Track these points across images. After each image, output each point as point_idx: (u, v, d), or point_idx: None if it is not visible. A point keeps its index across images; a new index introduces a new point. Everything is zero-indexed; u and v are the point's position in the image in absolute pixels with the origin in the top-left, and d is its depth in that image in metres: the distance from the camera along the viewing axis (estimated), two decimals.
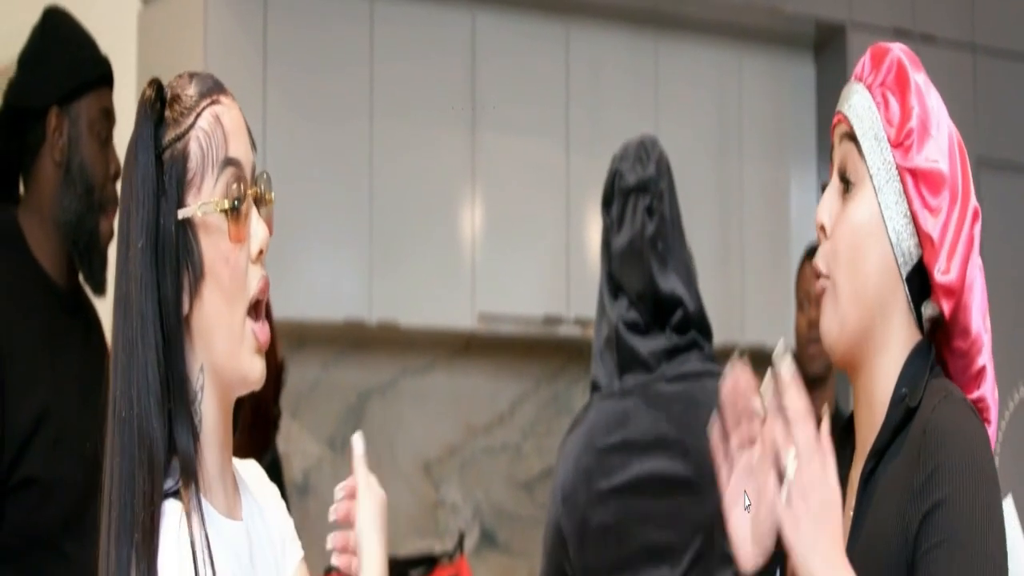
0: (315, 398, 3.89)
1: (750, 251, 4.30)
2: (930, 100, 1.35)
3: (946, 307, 1.30)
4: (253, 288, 1.18)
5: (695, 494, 2.07)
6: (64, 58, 2.10)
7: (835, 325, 1.32)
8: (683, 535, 2.07)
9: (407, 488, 4.07)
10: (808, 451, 1.18)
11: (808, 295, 3.19)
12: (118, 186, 1.37)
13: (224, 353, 1.16)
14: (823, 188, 1.38)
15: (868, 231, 1.31)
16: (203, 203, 1.16)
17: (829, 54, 4.45)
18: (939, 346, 1.35)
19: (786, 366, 1.20)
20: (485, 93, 3.97)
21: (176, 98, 1.19)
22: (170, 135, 1.17)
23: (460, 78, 3.94)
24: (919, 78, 1.36)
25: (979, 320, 1.32)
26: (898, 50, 1.37)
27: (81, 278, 2.11)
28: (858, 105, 1.34)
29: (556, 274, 4.03)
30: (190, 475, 1.12)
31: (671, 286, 2.15)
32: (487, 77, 3.98)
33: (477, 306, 3.90)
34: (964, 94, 4.40)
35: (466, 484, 4.17)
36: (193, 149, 1.16)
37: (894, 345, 1.31)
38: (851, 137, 1.33)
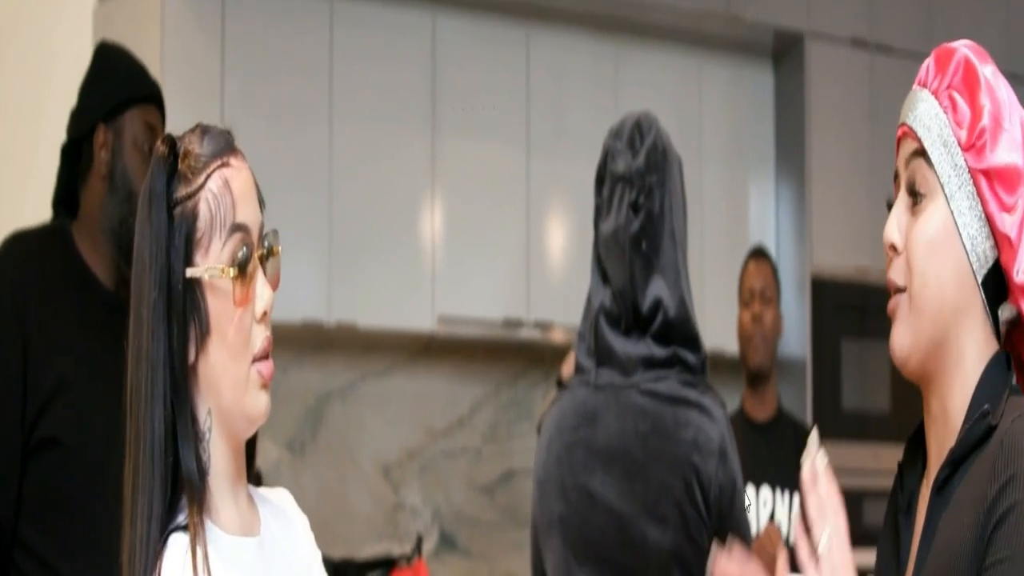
0: (273, 400, 3.85)
1: (709, 256, 4.32)
2: (1000, 92, 1.29)
3: None
4: (257, 346, 1.23)
5: (651, 527, 2.01)
6: (109, 80, 2.23)
7: (907, 338, 1.28)
8: (639, 560, 2.02)
9: (366, 491, 4.06)
10: (841, 538, 1.24)
11: (752, 292, 3.24)
12: None
13: (230, 400, 1.23)
14: (888, 206, 1.33)
15: (942, 241, 1.26)
16: (209, 267, 1.21)
17: (787, 62, 4.49)
18: (1015, 344, 1.31)
19: (819, 457, 1.26)
20: (445, 97, 3.98)
21: (188, 153, 1.23)
22: (181, 191, 1.22)
23: (420, 82, 3.94)
24: (987, 71, 1.30)
25: None
26: (963, 48, 1.32)
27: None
28: (924, 114, 1.29)
29: (516, 277, 4.04)
30: (196, 511, 1.19)
31: (653, 291, 2.04)
32: (448, 81, 3.98)
33: (437, 308, 3.90)
34: None
35: (426, 487, 4.16)
36: (202, 210, 1.21)
37: (969, 357, 1.27)
38: (919, 152, 1.28)
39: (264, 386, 1.24)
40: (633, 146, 2.09)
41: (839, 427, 4.25)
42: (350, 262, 3.77)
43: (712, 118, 4.40)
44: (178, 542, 1.18)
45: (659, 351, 2.04)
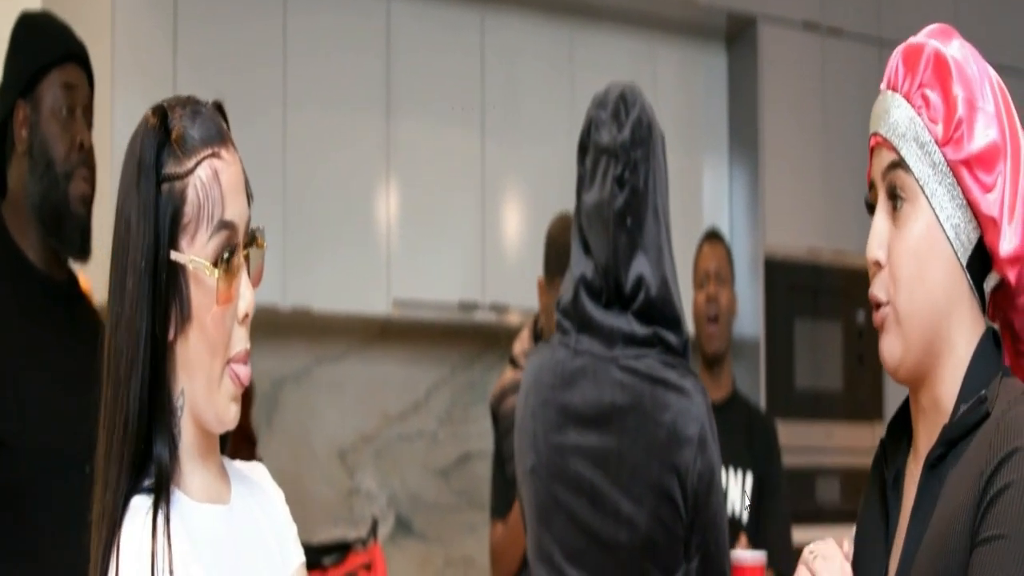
0: None
1: None
2: (969, 68, 1.28)
3: (1012, 275, 1.27)
4: (235, 349, 1.24)
5: (625, 502, 1.98)
6: (22, 53, 2.15)
7: (898, 347, 1.28)
8: (611, 528, 2.00)
9: (322, 476, 4.06)
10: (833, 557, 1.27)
11: (707, 274, 3.27)
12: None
13: (202, 394, 1.23)
14: (868, 206, 1.32)
15: (927, 241, 1.26)
16: (194, 259, 1.21)
17: (741, 45, 4.51)
18: (1002, 310, 1.31)
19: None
20: (400, 81, 3.96)
21: (178, 130, 1.22)
22: (171, 168, 1.21)
23: (375, 67, 3.93)
24: (954, 51, 1.28)
25: None
26: (930, 41, 1.29)
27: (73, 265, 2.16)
28: (898, 122, 1.28)
29: (471, 260, 4.04)
30: (163, 481, 1.20)
31: (636, 269, 2.00)
32: (402, 65, 3.97)
33: (392, 292, 3.90)
34: (870, 86, 4.49)
35: (381, 471, 4.16)
36: (191, 196, 1.21)
37: (960, 344, 1.27)
38: (896, 164, 1.28)
39: (236, 398, 1.25)
40: (618, 118, 2.03)
41: (792, 406, 4.30)
42: (305, 247, 3.76)
43: (666, 101, 4.42)
44: (140, 504, 1.19)
45: (640, 329, 2.01)
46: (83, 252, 2.11)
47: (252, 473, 1.36)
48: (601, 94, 2.08)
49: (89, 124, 2.14)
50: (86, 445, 1.94)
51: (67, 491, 1.89)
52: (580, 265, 2.06)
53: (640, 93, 2.08)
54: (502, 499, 2.90)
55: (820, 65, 4.52)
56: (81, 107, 2.12)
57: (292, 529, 1.37)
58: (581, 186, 2.07)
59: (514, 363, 2.98)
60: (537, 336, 2.98)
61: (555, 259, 2.87)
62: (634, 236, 2.01)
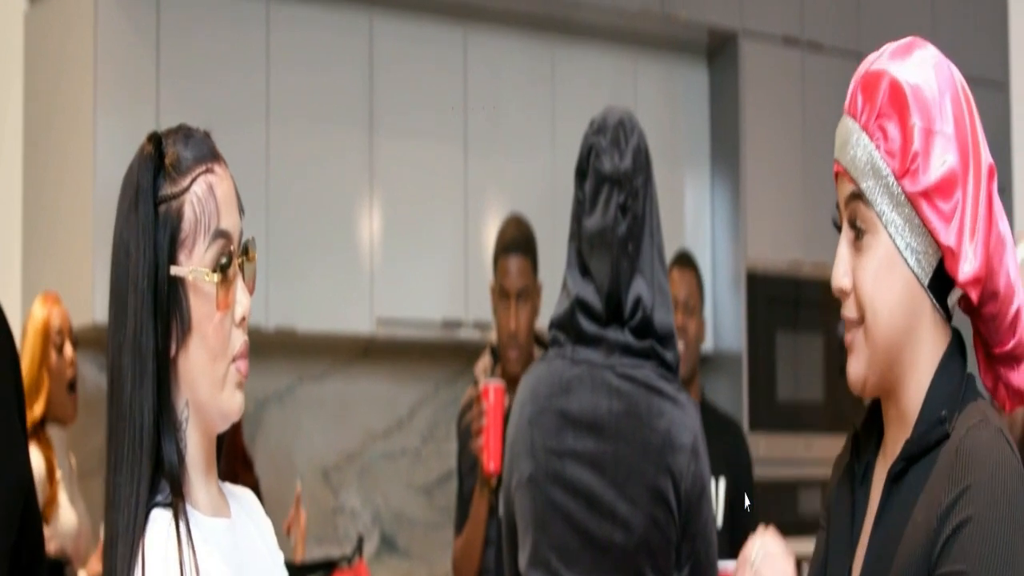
0: None
1: None
2: (928, 90, 1.28)
3: (973, 295, 1.29)
4: (235, 349, 1.29)
5: (621, 504, 2.01)
6: None
7: (861, 367, 1.32)
8: (607, 530, 2.03)
9: (306, 495, 4.04)
10: (773, 553, 1.33)
11: (676, 301, 3.26)
12: None
13: (207, 396, 1.28)
14: (835, 225, 1.35)
15: (887, 269, 1.29)
16: (193, 269, 1.25)
17: (721, 60, 4.54)
18: (970, 315, 1.34)
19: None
20: (383, 98, 3.97)
21: (173, 154, 1.27)
22: (166, 190, 1.26)
23: (358, 83, 3.93)
24: (910, 74, 1.29)
25: (1007, 275, 1.30)
26: (888, 70, 1.30)
27: None
28: (857, 155, 1.30)
29: (454, 278, 4.04)
30: (177, 491, 1.25)
31: (634, 291, 2.06)
32: (385, 82, 3.97)
33: (375, 311, 3.89)
34: None
35: (365, 490, 4.15)
36: (187, 212, 1.26)
37: (923, 358, 1.30)
38: (856, 195, 1.30)
39: (240, 385, 1.29)
40: (618, 145, 2.08)
41: (774, 418, 4.31)
42: (288, 266, 3.75)
43: (648, 116, 4.41)
44: (160, 517, 1.23)
45: (636, 342, 2.06)
46: None
47: (244, 495, 1.41)
48: (599, 119, 2.11)
49: None
50: None
51: None
52: (577, 286, 2.09)
53: (636, 120, 2.12)
54: (462, 513, 2.92)
55: (800, 79, 4.54)
56: None
57: (280, 556, 1.41)
58: (580, 210, 2.10)
59: (476, 383, 3.00)
60: (494, 353, 3.00)
61: (499, 256, 2.93)
62: (634, 260, 2.07)
